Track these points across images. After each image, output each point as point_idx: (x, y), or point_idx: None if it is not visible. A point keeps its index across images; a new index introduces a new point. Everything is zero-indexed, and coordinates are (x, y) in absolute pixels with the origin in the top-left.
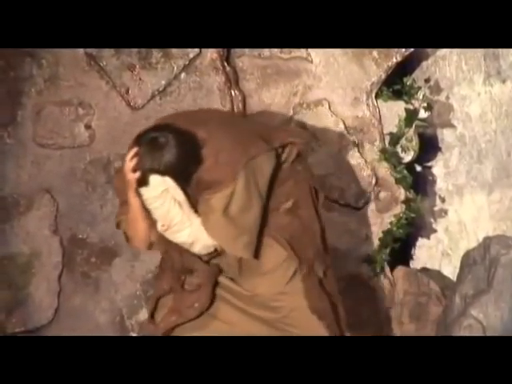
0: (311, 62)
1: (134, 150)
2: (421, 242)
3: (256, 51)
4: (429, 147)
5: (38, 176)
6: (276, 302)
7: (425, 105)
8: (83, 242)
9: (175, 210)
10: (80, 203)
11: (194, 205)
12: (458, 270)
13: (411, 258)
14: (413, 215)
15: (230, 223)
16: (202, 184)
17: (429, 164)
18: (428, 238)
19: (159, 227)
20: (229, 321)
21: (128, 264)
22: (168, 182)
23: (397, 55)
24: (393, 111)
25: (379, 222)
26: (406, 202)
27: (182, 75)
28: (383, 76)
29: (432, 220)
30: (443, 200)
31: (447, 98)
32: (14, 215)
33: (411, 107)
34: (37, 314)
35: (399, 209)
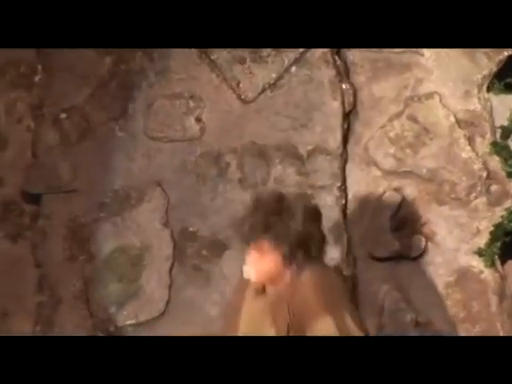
0: (422, 55)
1: None
2: None
3: None
4: None
5: (149, 169)
6: None
7: None
8: (194, 234)
9: None
10: (191, 196)
11: None
12: None
13: None
14: None
15: None
16: None
17: None
18: None
19: None
20: None
21: (238, 257)
22: None
23: (508, 49)
24: (504, 104)
25: (490, 216)
26: None
27: (293, 68)
28: (494, 69)
29: None
30: None
31: None
32: (125, 208)
33: None
34: (148, 306)
35: (510, 202)
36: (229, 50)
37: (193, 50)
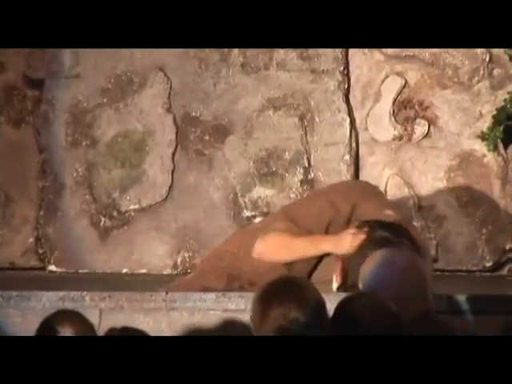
0: None
1: None
2: None
3: None
4: None
5: (152, 54)
6: None
7: None
8: (196, 119)
9: None
10: (193, 81)
11: None
12: None
13: None
14: None
15: None
16: None
17: None
18: None
19: None
20: None
21: (241, 142)
22: None
23: None
24: None
25: (493, 100)
26: None
27: None
28: None
29: None
30: None
31: None
32: (127, 93)
33: None
34: (151, 191)
35: None
36: None
37: None
